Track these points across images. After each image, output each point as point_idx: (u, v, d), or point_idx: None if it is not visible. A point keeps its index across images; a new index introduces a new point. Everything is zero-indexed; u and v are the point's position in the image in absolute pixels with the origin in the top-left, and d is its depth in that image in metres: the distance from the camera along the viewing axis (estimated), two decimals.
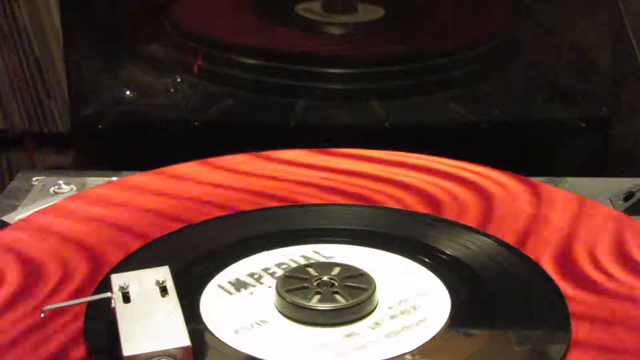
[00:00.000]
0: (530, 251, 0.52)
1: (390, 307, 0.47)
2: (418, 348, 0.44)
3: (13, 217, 0.58)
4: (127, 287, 0.44)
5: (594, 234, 0.54)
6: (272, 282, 0.49)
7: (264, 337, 0.45)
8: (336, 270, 0.49)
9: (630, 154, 0.84)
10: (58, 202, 0.59)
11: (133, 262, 0.50)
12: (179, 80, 0.88)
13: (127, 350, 0.40)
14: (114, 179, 0.65)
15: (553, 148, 0.87)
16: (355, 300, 0.46)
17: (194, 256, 0.52)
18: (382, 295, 0.48)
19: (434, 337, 0.45)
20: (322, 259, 0.52)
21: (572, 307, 0.47)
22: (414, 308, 0.47)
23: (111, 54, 0.90)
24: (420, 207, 0.58)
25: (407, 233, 0.55)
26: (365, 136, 0.84)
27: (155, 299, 0.43)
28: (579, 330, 0.45)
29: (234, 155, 0.65)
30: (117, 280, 0.45)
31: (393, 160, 0.65)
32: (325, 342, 0.44)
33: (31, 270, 0.50)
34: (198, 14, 0.92)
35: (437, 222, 0.56)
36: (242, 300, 0.48)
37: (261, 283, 0.49)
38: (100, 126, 0.87)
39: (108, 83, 0.89)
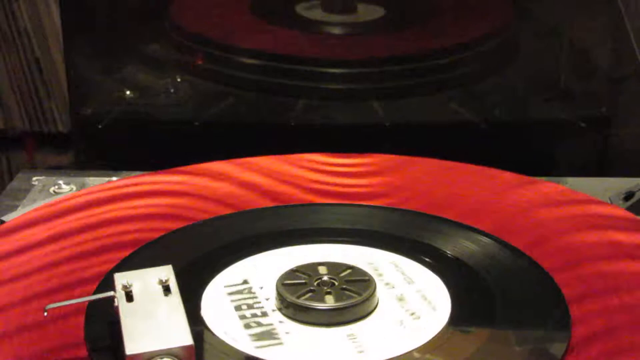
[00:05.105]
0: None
1: (390, 307, 0.47)
2: (418, 348, 0.44)
3: (13, 217, 0.58)
4: (130, 285, 0.44)
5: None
6: (274, 281, 0.49)
7: (264, 336, 0.45)
8: (346, 272, 0.49)
9: (630, 154, 0.85)
10: None
11: (136, 260, 0.51)
12: (179, 80, 0.88)
13: (129, 349, 0.40)
14: (114, 179, 0.65)
15: (553, 148, 0.87)
16: (342, 303, 0.46)
17: (196, 255, 0.52)
18: (382, 295, 0.48)
19: (434, 337, 0.45)
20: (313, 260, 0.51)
21: (572, 307, 0.47)
22: (414, 308, 0.47)
23: (111, 54, 0.90)
24: None
25: (407, 233, 0.55)
26: (365, 136, 0.84)
27: (158, 298, 0.43)
28: (579, 329, 0.45)
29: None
30: (120, 279, 0.45)
31: None
32: (324, 341, 0.45)
33: None
34: (198, 14, 0.92)
35: (437, 222, 0.56)
36: (244, 299, 0.48)
37: (262, 282, 0.50)
38: (100, 126, 0.87)
39: (108, 83, 0.89)
